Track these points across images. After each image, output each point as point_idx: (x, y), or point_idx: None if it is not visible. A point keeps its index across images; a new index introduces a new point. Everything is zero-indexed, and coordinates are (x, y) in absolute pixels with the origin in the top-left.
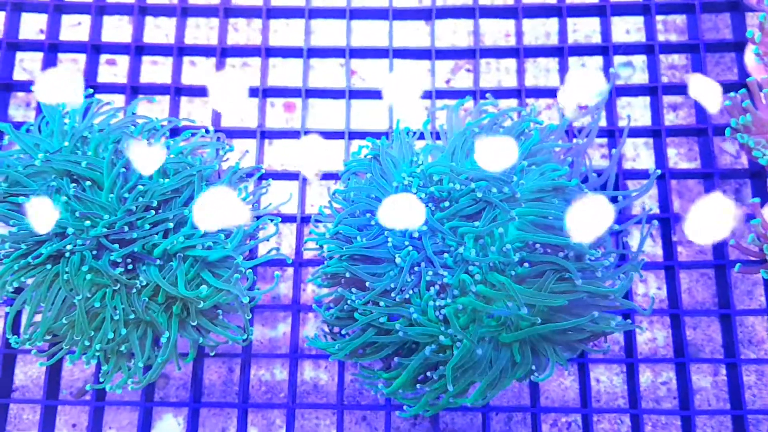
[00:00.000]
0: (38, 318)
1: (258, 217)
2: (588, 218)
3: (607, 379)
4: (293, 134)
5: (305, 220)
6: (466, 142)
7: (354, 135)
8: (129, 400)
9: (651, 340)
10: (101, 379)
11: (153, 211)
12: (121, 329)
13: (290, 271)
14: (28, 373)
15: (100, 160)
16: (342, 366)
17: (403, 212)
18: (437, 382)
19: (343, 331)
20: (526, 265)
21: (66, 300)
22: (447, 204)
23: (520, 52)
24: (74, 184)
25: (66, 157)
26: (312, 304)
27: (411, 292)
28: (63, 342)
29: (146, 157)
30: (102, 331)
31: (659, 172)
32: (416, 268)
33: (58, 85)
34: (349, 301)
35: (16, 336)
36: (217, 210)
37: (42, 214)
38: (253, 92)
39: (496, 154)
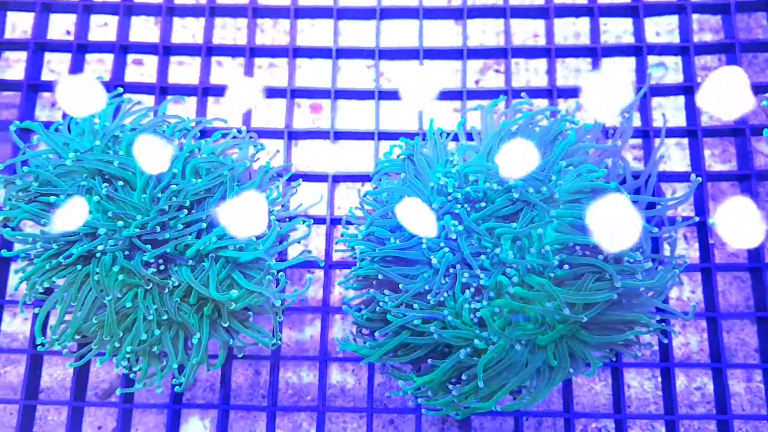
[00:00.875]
0: (69, 318)
1: (290, 219)
2: (619, 222)
3: (638, 384)
4: (321, 135)
5: (334, 221)
6: (501, 142)
7: (383, 136)
8: (156, 403)
9: (684, 344)
10: (132, 377)
11: (185, 211)
12: (154, 329)
13: (318, 273)
14: (54, 374)
15: (133, 159)
16: (372, 369)
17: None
18: (469, 383)
19: (375, 333)
20: (566, 267)
21: (96, 300)
22: (483, 205)
23: (552, 52)
24: (106, 184)
25: (98, 157)
26: (342, 306)
27: (446, 294)
28: (92, 343)
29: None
30: (133, 332)
31: (700, 179)
32: (451, 270)
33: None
34: (381, 303)
35: (43, 338)
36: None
37: (71, 212)
38: (281, 93)
39: (528, 155)
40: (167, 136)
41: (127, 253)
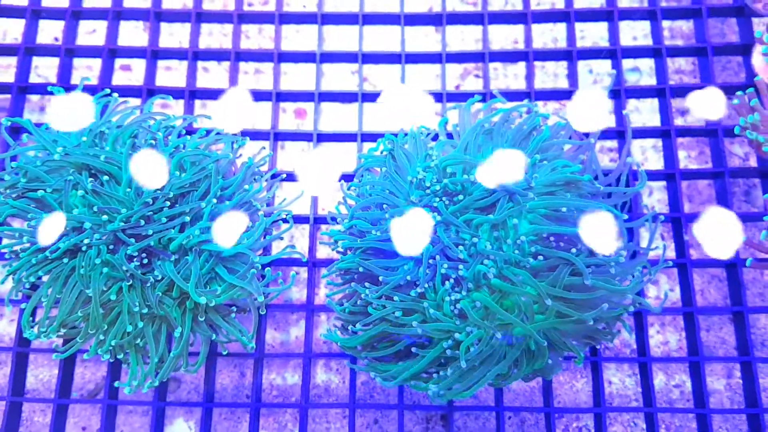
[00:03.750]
0: (55, 312)
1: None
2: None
3: (619, 381)
4: (306, 137)
5: (318, 220)
6: (478, 137)
7: (366, 137)
8: (142, 400)
9: (663, 343)
10: (119, 361)
11: (168, 203)
12: (138, 322)
13: (303, 273)
14: (39, 376)
15: (118, 154)
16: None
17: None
18: (448, 377)
19: (357, 326)
20: (540, 258)
21: (81, 294)
22: (461, 198)
23: (530, 56)
24: (92, 179)
25: (84, 151)
26: (326, 300)
27: (426, 285)
28: (77, 337)
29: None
30: (117, 325)
31: (644, 171)
32: (431, 261)
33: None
34: (363, 296)
35: (31, 330)
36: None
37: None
38: (267, 96)
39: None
40: (153, 131)
41: (112, 246)
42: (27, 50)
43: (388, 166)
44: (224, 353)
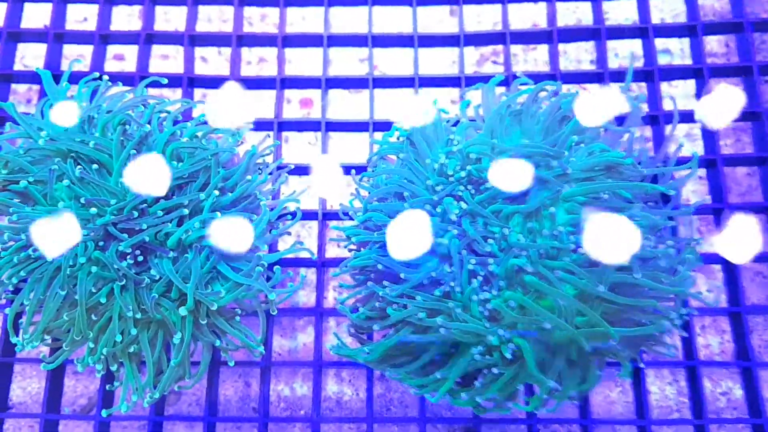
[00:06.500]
0: (39, 318)
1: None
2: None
3: (659, 390)
4: (313, 126)
5: (327, 216)
6: (503, 119)
7: (378, 126)
8: (137, 415)
9: (705, 346)
10: (111, 389)
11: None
12: (131, 328)
13: (311, 276)
14: (27, 388)
15: (109, 140)
16: (370, 376)
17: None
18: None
19: (375, 327)
20: (581, 251)
21: (68, 296)
22: (488, 186)
23: (554, 35)
24: (79, 167)
25: (72, 137)
26: (337, 306)
27: (452, 285)
28: (63, 344)
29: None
30: (108, 331)
31: (697, 153)
32: (456, 256)
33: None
34: (381, 294)
35: (17, 338)
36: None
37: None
38: (271, 83)
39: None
40: (146, 117)
41: (102, 243)
42: (10, 35)
43: (405, 153)
44: (231, 364)
